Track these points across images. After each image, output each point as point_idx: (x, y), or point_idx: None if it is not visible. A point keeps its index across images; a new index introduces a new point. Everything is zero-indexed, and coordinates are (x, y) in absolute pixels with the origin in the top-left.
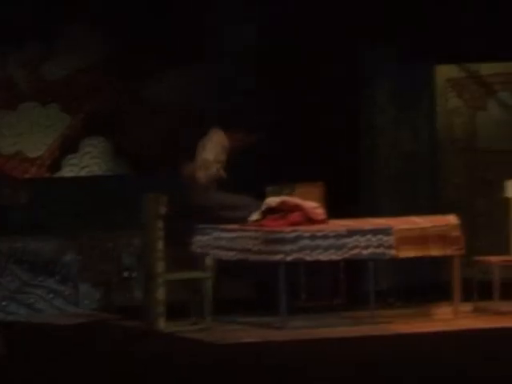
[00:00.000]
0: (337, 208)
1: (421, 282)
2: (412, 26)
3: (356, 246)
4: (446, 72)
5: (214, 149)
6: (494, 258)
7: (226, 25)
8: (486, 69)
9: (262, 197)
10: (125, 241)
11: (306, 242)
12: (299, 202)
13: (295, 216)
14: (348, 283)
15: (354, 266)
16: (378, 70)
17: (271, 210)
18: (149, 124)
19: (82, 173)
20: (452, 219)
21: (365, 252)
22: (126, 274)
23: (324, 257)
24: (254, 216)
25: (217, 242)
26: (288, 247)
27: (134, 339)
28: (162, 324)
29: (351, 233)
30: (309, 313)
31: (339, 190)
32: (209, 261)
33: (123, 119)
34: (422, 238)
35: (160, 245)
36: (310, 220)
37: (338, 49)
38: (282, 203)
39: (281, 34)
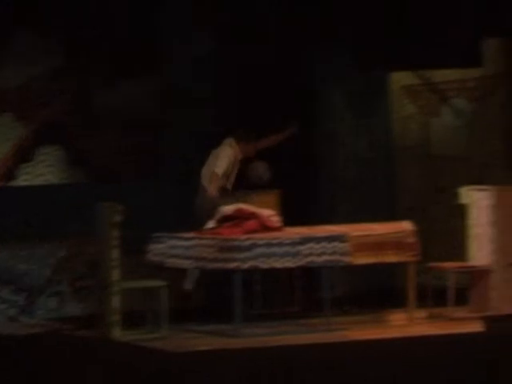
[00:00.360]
0: (293, 215)
1: (376, 289)
2: (367, 34)
3: (311, 254)
4: (400, 79)
5: (225, 162)
6: (448, 264)
7: (180, 33)
8: (440, 76)
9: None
10: (80, 249)
11: (262, 249)
12: (255, 210)
13: (251, 224)
14: (303, 290)
15: (309, 273)
16: (335, 78)
17: (227, 218)
18: (103, 133)
19: (37, 181)
20: (407, 226)
21: (320, 259)
22: (80, 283)
23: (279, 264)
24: (210, 224)
25: (173, 251)
26: (243, 255)
27: (88, 349)
28: (118, 333)
29: (306, 240)
30: (264, 321)
31: (296, 198)
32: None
33: (78, 128)
34: (377, 244)
35: (115, 253)
36: (266, 228)
37: (294, 57)
38: (238, 211)
39: (236, 43)
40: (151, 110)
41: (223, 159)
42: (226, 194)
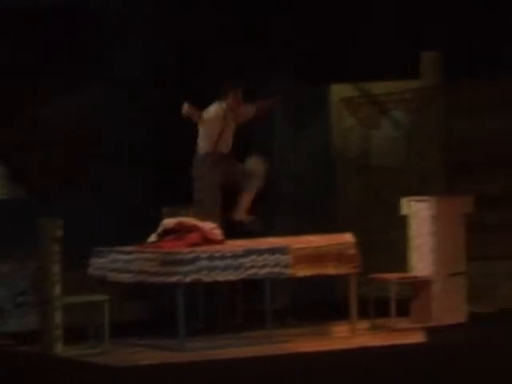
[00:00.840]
0: (234, 228)
1: (318, 301)
2: (307, 47)
3: (253, 266)
4: (339, 91)
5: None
6: (390, 276)
7: (116, 50)
8: (379, 88)
9: (159, 218)
10: (21, 265)
11: (204, 262)
12: (196, 223)
13: (192, 237)
14: (245, 303)
15: (251, 286)
16: (273, 90)
17: (168, 232)
18: (46, 149)
19: None
20: (348, 237)
21: (262, 272)
22: (21, 299)
23: (221, 277)
24: (151, 238)
25: (114, 265)
26: (186, 268)
27: (29, 364)
28: (60, 348)
29: (248, 253)
30: (206, 334)
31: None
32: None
33: (20, 143)
34: (318, 256)
35: (56, 268)
36: (208, 241)
37: (227, 71)
38: (179, 224)
39: (168, 60)
40: (88, 125)
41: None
42: (223, 159)
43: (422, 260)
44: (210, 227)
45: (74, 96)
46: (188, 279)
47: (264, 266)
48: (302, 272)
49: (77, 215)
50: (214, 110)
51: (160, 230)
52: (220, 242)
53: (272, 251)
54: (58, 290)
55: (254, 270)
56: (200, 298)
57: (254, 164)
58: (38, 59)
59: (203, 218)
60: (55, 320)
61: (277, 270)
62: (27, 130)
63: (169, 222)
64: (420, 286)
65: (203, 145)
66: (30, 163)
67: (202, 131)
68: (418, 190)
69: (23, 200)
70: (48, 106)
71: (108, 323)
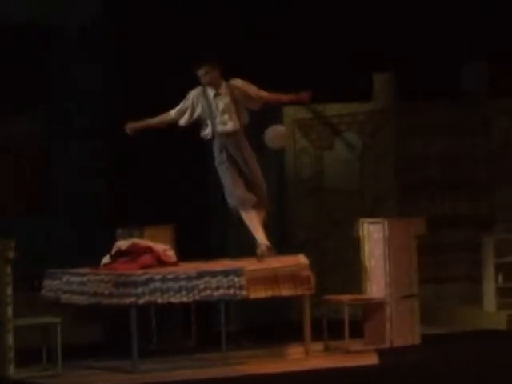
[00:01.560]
0: (187, 249)
1: (272, 322)
2: (258, 68)
3: (207, 288)
4: (292, 113)
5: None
6: (343, 297)
7: (73, 65)
8: (331, 109)
9: (111, 239)
10: None
11: (157, 284)
12: (150, 245)
13: (146, 258)
14: (199, 325)
15: (205, 307)
16: None
17: (121, 253)
18: None
19: None
20: (301, 259)
21: (216, 293)
22: None
23: (175, 299)
24: (104, 259)
25: (67, 286)
26: (139, 290)
27: None
28: (12, 370)
29: (202, 274)
30: (160, 356)
31: (189, 232)
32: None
33: None
34: (272, 278)
35: (9, 290)
36: (161, 262)
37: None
38: (133, 246)
39: (128, 75)
40: (40, 144)
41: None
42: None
43: (375, 282)
44: (164, 249)
45: (22, 115)
46: (142, 301)
47: (218, 288)
48: (257, 294)
49: (28, 236)
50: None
51: (113, 251)
52: (173, 264)
53: (226, 273)
54: (9, 311)
55: (208, 292)
56: (153, 319)
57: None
58: None
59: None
60: (7, 342)
61: (231, 291)
62: None
63: (122, 243)
64: (373, 307)
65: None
66: None
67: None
68: (371, 211)
69: None
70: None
71: (60, 345)
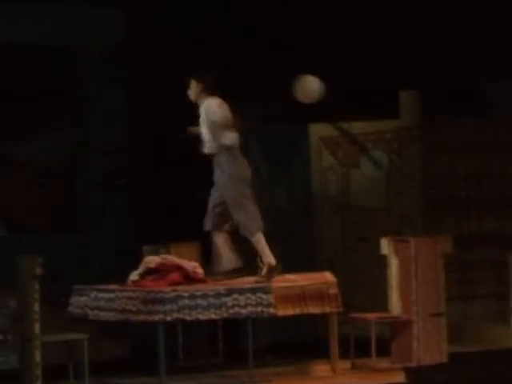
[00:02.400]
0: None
1: (299, 340)
2: (284, 86)
3: (235, 305)
4: (318, 131)
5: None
6: (370, 315)
7: (97, 86)
8: (358, 127)
9: (138, 256)
10: (0, 303)
11: (186, 301)
12: (179, 262)
13: (175, 276)
14: (226, 342)
15: (233, 324)
16: (252, 129)
17: (151, 271)
18: (21, 185)
19: None
20: (329, 276)
21: (244, 311)
22: (0, 337)
23: (203, 316)
24: (133, 276)
25: (95, 303)
26: (167, 307)
27: None
28: None
29: (230, 291)
30: (187, 372)
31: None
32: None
33: None
34: (300, 295)
35: (36, 306)
36: (190, 280)
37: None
38: (161, 264)
39: (151, 98)
40: (67, 161)
41: None
42: None
43: (401, 300)
44: (194, 266)
45: (49, 131)
46: (170, 318)
47: (246, 305)
48: (284, 311)
49: (53, 251)
50: (217, 105)
51: (142, 268)
52: (202, 281)
53: (254, 290)
54: (37, 328)
55: (236, 309)
56: (180, 336)
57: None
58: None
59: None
60: (35, 358)
61: (259, 309)
62: (1, 167)
63: (151, 260)
64: (400, 326)
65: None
66: (8, 199)
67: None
68: (397, 229)
69: (2, 237)
70: (24, 142)
71: (87, 362)
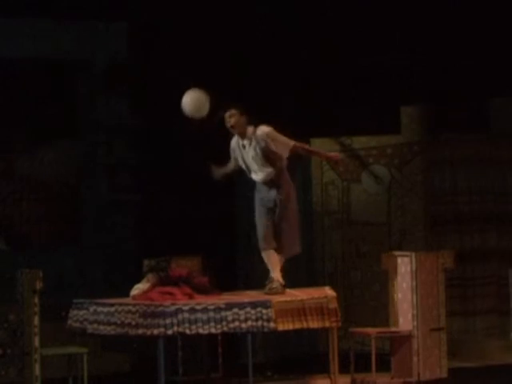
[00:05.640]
0: (214, 281)
1: (299, 354)
2: (286, 100)
3: (235, 319)
4: (320, 145)
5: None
6: (370, 330)
7: (98, 100)
8: (359, 142)
9: (138, 270)
10: (0, 317)
11: (186, 315)
12: (185, 274)
13: (183, 289)
14: (226, 356)
15: (232, 339)
16: None
17: (160, 282)
18: (23, 199)
19: None
20: (329, 291)
21: (244, 325)
22: (1, 351)
23: (204, 330)
24: (133, 291)
25: (94, 317)
26: (168, 321)
27: None
28: None
29: (230, 306)
30: None
31: (216, 263)
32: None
33: None
34: (300, 310)
35: (36, 320)
36: (197, 292)
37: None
38: (169, 276)
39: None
40: (69, 175)
41: None
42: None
43: (402, 315)
44: (203, 280)
45: (54, 147)
46: (170, 332)
47: (246, 320)
48: (284, 326)
49: (55, 266)
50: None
51: (151, 281)
52: (216, 295)
53: (254, 305)
54: (37, 341)
55: (236, 324)
56: (180, 350)
57: None
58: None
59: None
60: (34, 372)
61: (259, 323)
62: (2, 180)
63: (160, 273)
64: (400, 340)
65: None
66: (9, 214)
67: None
68: (398, 244)
69: (2, 251)
70: (24, 156)
71: (87, 375)
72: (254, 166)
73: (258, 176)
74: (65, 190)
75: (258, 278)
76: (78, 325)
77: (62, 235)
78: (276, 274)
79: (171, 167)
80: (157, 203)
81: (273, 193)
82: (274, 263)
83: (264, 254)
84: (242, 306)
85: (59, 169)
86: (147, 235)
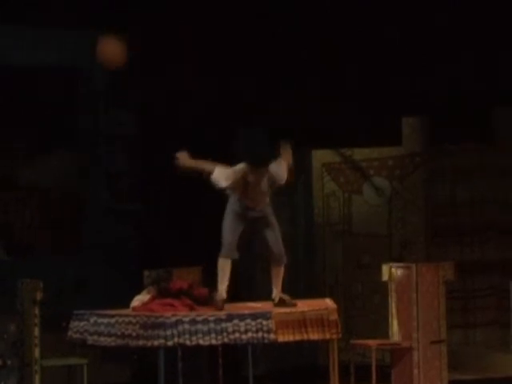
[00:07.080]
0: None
1: (299, 366)
2: (289, 113)
3: (236, 331)
4: (321, 157)
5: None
6: (371, 342)
7: (102, 109)
8: (360, 154)
9: (139, 281)
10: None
11: (186, 326)
12: (187, 286)
13: (184, 301)
14: (226, 368)
15: (233, 350)
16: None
17: (161, 294)
18: (22, 208)
19: None
20: (329, 303)
21: (244, 336)
22: (0, 362)
23: (204, 342)
24: (133, 302)
25: (95, 328)
26: (168, 332)
27: None
28: None
29: (231, 317)
30: None
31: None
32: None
33: None
34: (300, 321)
35: (36, 331)
36: (198, 304)
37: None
38: (172, 287)
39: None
40: (70, 184)
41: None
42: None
43: (402, 327)
44: (204, 291)
45: (55, 155)
46: (170, 343)
47: (246, 331)
48: (285, 337)
49: (55, 276)
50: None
51: (151, 292)
52: (209, 306)
53: (254, 316)
54: (37, 352)
55: (236, 335)
56: (180, 361)
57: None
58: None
59: None
60: (35, 383)
61: (259, 335)
62: (2, 190)
63: (158, 285)
64: (401, 352)
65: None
66: (10, 223)
67: None
68: (399, 256)
69: (2, 261)
70: (29, 164)
71: None
72: (256, 198)
73: (256, 209)
74: (66, 199)
75: (260, 287)
76: (78, 336)
77: (63, 244)
78: (223, 287)
79: (171, 176)
80: (157, 212)
81: (263, 214)
82: (226, 275)
83: (222, 262)
84: (242, 317)
85: (59, 178)
86: (148, 244)
